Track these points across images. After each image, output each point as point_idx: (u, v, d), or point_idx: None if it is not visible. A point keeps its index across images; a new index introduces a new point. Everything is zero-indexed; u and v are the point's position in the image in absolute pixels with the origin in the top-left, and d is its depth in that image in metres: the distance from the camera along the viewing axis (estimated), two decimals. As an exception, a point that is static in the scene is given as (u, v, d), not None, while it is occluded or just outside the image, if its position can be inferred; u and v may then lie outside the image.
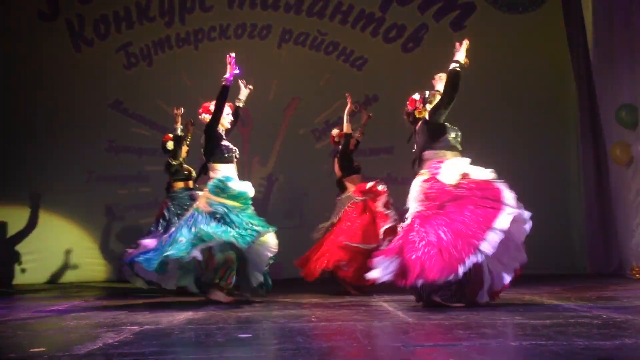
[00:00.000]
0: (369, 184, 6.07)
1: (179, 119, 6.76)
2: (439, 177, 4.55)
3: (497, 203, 4.39)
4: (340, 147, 6.32)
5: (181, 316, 4.27)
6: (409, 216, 4.61)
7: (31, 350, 3.05)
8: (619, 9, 7.62)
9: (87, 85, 8.62)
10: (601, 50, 8.03)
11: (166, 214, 6.39)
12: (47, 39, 8.68)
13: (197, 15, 8.84)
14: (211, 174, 5.30)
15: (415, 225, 4.44)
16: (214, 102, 5.38)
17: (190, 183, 6.66)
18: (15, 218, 8.34)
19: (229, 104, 5.51)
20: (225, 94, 5.40)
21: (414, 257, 4.23)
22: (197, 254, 4.76)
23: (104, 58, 8.73)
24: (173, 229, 5.21)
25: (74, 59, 8.72)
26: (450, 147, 4.73)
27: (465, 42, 4.69)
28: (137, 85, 8.70)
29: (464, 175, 4.54)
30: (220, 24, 8.84)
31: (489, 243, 4.20)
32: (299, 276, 7.06)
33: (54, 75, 8.63)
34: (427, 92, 4.91)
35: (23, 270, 8.20)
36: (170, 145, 6.69)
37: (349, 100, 6.28)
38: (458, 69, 4.67)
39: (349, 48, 8.85)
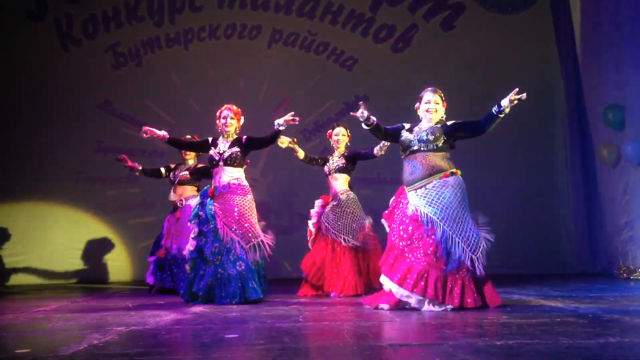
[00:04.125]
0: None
1: None
2: None
3: None
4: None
5: (168, 317, 4.25)
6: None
7: (16, 351, 3.03)
8: (606, 11, 7.68)
9: (75, 86, 8.55)
10: (589, 51, 8.09)
11: None
12: (35, 38, 8.62)
13: (187, 15, 8.80)
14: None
15: None
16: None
17: None
18: (1, 219, 8.28)
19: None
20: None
21: None
22: None
23: (93, 58, 8.67)
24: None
25: (62, 59, 8.66)
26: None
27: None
28: (126, 86, 8.65)
29: None
30: (210, 24, 8.81)
31: None
32: (287, 276, 7.07)
33: (42, 75, 8.56)
34: None
35: (9, 271, 8.14)
36: None
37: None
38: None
39: (339, 48, 8.85)
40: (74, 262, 8.31)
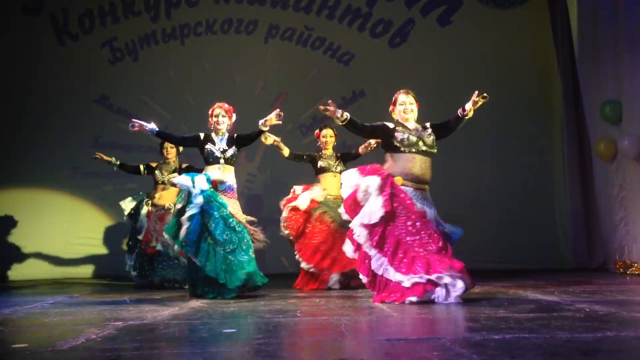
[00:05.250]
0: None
1: None
2: None
3: None
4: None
5: (166, 312, 4.25)
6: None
7: (13, 346, 3.03)
8: (603, 5, 7.67)
9: (72, 81, 8.53)
10: (586, 46, 8.08)
11: None
12: (31, 33, 8.58)
13: (183, 10, 8.78)
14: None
15: None
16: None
17: None
18: (-1, 214, 8.28)
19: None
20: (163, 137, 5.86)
21: None
22: None
23: (89, 53, 8.65)
24: None
25: (59, 53, 8.63)
26: None
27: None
28: (123, 81, 8.63)
29: None
30: (206, 19, 8.79)
31: None
32: (284, 271, 7.09)
33: (38, 71, 8.54)
34: None
35: (8, 267, 8.12)
36: None
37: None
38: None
39: (336, 43, 8.84)
40: (71, 257, 8.30)
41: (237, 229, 5.28)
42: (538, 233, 8.37)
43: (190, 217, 5.11)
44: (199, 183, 5.22)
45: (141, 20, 8.75)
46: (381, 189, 4.62)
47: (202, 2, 8.78)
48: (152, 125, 5.43)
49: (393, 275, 4.51)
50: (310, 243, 6.13)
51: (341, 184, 6.21)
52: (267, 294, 5.39)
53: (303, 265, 6.12)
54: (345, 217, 4.97)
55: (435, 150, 4.83)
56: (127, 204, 6.89)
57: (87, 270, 8.29)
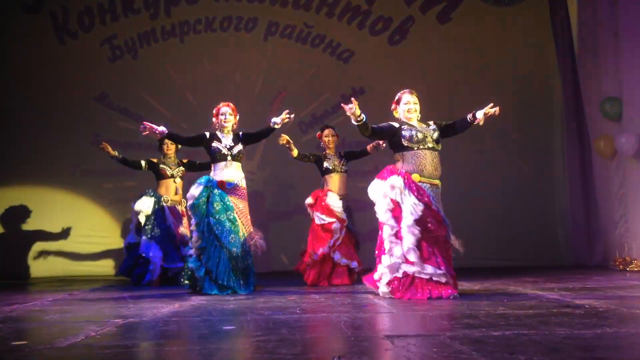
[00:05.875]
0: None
1: None
2: None
3: None
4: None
5: (166, 309, 4.25)
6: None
7: (13, 343, 3.03)
8: (604, 3, 7.66)
9: (71, 78, 8.52)
10: (586, 43, 8.08)
11: None
12: (31, 31, 8.57)
13: (183, 7, 8.76)
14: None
15: None
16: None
17: None
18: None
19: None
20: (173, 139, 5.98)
21: None
22: None
23: (89, 51, 8.63)
24: None
25: (58, 51, 8.62)
26: None
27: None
28: (123, 79, 8.62)
29: None
30: (206, 17, 8.77)
31: None
32: (284, 269, 7.10)
33: (37, 68, 8.52)
34: None
35: (7, 265, 8.12)
36: None
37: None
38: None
39: (336, 41, 8.82)
40: (71, 255, 8.30)
41: (240, 233, 5.44)
42: (538, 230, 8.37)
43: (197, 224, 5.40)
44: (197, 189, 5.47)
45: (141, 18, 8.73)
46: (409, 188, 4.61)
47: (201, 0, 8.77)
48: (162, 128, 5.53)
49: (431, 270, 4.53)
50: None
51: (344, 183, 6.38)
52: (266, 291, 5.40)
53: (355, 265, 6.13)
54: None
55: (440, 147, 4.83)
56: (145, 204, 6.86)
57: (86, 268, 8.29)
